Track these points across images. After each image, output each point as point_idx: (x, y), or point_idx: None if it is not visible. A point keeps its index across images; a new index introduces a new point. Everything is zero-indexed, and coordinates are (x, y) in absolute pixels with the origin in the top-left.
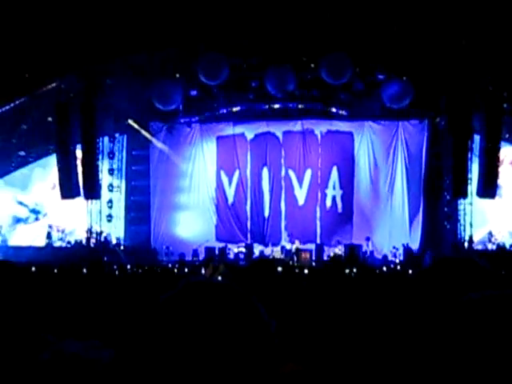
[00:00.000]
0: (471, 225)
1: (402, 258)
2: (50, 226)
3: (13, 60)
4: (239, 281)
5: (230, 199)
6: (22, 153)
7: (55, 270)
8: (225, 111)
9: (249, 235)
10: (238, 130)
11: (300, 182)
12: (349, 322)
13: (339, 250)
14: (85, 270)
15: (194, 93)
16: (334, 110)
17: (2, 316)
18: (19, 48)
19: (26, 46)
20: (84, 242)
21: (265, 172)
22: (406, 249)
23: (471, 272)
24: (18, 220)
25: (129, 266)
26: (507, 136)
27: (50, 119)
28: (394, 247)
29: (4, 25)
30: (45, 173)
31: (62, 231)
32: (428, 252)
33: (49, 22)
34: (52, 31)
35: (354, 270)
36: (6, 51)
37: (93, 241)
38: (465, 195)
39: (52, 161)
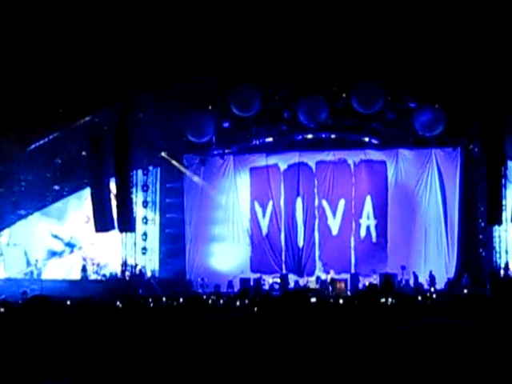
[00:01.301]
0: (507, 252)
1: (435, 286)
2: (85, 259)
3: (47, 95)
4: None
5: (265, 230)
6: (57, 187)
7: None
8: (257, 142)
9: (283, 266)
10: (271, 160)
11: (333, 212)
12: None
13: (374, 280)
14: (119, 304)
15: (226, 125)
16: (366, 139)
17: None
18: (53, 82)
19: (60, 81)
20: (119, 274)
21: (298, 202)
22: (431, 277)
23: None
24: (53, 253)
25: (164, 299)
26: None
27: (84, 153)
28: (429, 276)
29: (39, 60)
30: (79, 206)
31: (97, 264)
32: (465, 275)
33: (83, 57)
34: (86, 66)
35: (390, 299)
36: (41, 86)
37: (127, 274)
38: (499, 222)
39: (87, 194)
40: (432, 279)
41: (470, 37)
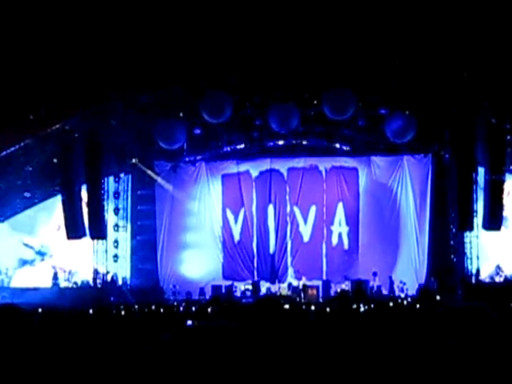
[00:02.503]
0: (478, 258)
1: (408, 292)
2: (55, 267)
3: (18, 101)
4: (244, 319)
5: (236, 237)
6: (28, 194)
7: (61, 313)
8: (229, 149)
9: (255, 273)
10: (243, 167)
11: (305, 219)
12: (357, 359)
13: (346, 286)
14: (91, 312)
15: (198, 131)
16: (337, 145)
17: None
18: (23, 89)
19: (30, 88)
20: (90, 282)
21: (270, 209)
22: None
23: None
24: (24, 262)
25: (136, 306)
26: (511, 167)
27: (55, 160)
28: (400, 281)
29: (8, 67)
30: (50, 214)
31: (69, 272)
32: (432, 279)
33: (52, 64)
34: (56, 72)
35: (362, 306)
36: (11, 92)
37: (99, 281)
38: (470, 228)
39: (57, 202)
40: (391, 285)
41: (441, 44)
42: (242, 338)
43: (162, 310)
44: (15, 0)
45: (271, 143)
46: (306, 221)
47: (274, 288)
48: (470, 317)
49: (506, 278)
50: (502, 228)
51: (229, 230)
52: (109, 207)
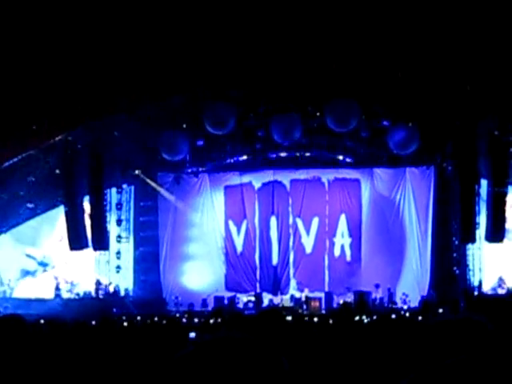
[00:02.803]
0: (480, 270)
1: (411, 304)
2: (58, 278)
3: (21, 112)
4: (247, 330)
5: (239, 248)
6: (30, 205)
7: (64, 324)
8: (232, 161)
9: (258, 284)
10: (246, 179)
11: (307, 230)
12: (360, 370)
13: (348, 298)
14: (94, 323)
15: (200, 143)
16: (340, 157)
17: (10, 370)
18: (27, 100)
19: (35, 99)
20: (93, 293)
21: (273, 221)
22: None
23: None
24: (26, 273)
25: (139, 318)
26: None
27: (57, 171)
28: (403, 293)
29: (12, 78)
30: (52, 225)
31: (71, 283)
32: (430, 292)
33: (56, 75)
34: (60, 84)
35: (364, 317)
36: (14, 103)
37: (101, 292)
38: (473, 240)
39: (60, 213)
40: (390, 296)
41: (444, 56)
42: (260, 349)
43: (164, 322)
44: (19, 11)
45: (274, 155)
46: (308, 232)
47: (277, 300)
48: (466, 329)
49: (508, 291)
50: (505, 240)
51: (231, 241)
52: (111, 218)
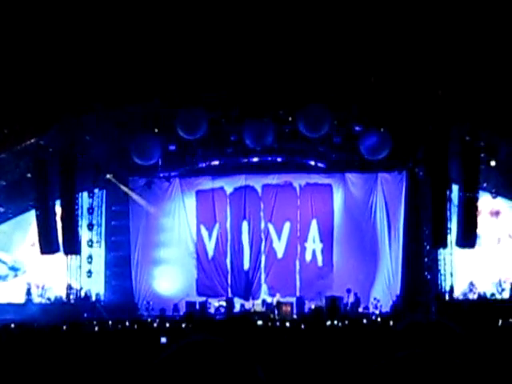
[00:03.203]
0: (452, 274)
1: (382, 309)
2: (29, 283)
3: None
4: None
5: (210, 253)
6: (1, 209)
7: (34, 329)
8: (204, 165)
9: (229, 289)
10: (217, 183)
11: (279, 235)
12: (331, 375)
13: (320, 303)
14: (64, 328)
15: (172, 147)
16: (312, 162)
17: None
18: None
19: (6, 102)
20: (64, 298)
21: (244, 225)
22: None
23: (441, 336)
24: None
25: (110, 323)
26: (485, 185)
27: (29, 175)
28: (374, 298)
29: None
30: (24, 229)
31: (42, 287)
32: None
33: (29, 79)
34: (30, 88)
35: (336, 322)
36: None
37: (72, 297)
38: (444, 245)
39: (31, 217)
40: (356, 300)
41: (416, 61)
42: (232, 353)
43: (135, 327)
44: None
45: (246, 159)
46: (279, 237)
47: (248, 305)
48: (433, 331)
49: (479, 296)
50: (476, 246)
51: (203, 246)
52: (83, 223)
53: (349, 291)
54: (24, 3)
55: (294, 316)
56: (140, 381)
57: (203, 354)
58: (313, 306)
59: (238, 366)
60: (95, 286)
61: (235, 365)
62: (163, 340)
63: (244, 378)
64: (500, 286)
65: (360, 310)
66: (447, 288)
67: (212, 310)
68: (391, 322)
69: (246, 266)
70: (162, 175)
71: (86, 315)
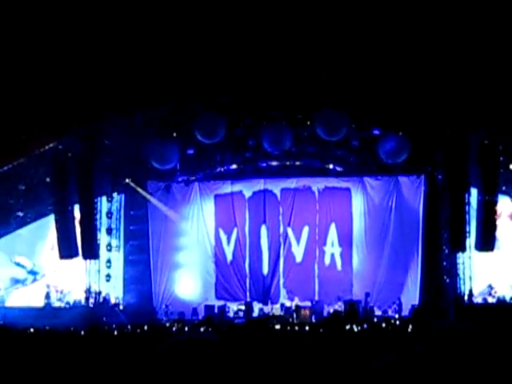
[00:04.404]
0: (470, 278)
1: (401, 313)
2: (48, 287)
3: (11, 121)
4: (235, 339)
5: (229, 257)
6: (20, 213)
7: (53, 333)
8: (222, 169)
9: (248, 293)
10: (236, 187)
11: (297, 239)
12: (349, 379)
13: (339, 307)
14: (83, 332)
15: (191, 152)
16: (330, 166)
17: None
18: (17, 109)
19: (24, 107)
20: (83, 302)
21: (263, 229)
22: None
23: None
24: (16, 281)
25: (129, 327)
26: (504, 188)
27: (48, 179)
28: (393, 302)
29: (3, 87)
30: (42, 234)
31: (61, 292)
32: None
33: (47, 84)
34: (50, 93)
35: (355, 326)
36: (4, 112)
37: (91, 301)
38: (463, 249)
39: (50, 221)
40: (392, 306)
41: (435, 65)
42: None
43: (154, 330)
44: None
45: (264, 164)
46: (298, 241)
47: (267, 309)
48: (462, 337)
49: (498, 299)
50: (495, 249)
51: (221, 250)
52: (101, 227)
53: (368, 295)
54: (45, 13)
55: (313, 320)
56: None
57: (194, 351)
58: (331, 310)
59: (229, 364)
60: (114, 290)
61: (227, 363)
62: None
63: (234, 375)
64: None
65: (379, 313)
66: (466, 292)
67: (231, 314)
68: (410, 326)
69: (265, 270)
70: (180, 179)
71: (104, 319)
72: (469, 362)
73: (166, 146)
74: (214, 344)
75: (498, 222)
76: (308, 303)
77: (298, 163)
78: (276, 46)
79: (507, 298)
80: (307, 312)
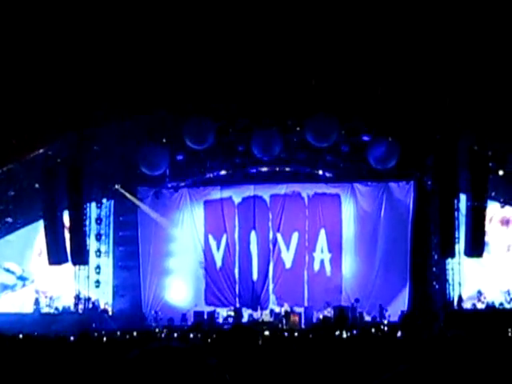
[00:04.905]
0: (460, 284)
1: (391, 319)
2: (37, 292)
3: (0, 127)
4: (223, 345)
5: (219, 263)
6: (9, 219)
7: (43, 339)
8: (212, 175)
9: (237, 299)
10: (226, 193)
11: (287, 245)
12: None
13: (328, 313)
14: (72, 338)
15: (180, 157)
16: (320, 172)
17: None
18: (7, 115)
19: (14, 113)
20: (72, 308)
21: (253, 235)
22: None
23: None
24: (4, 287)
25: (118, 333)
26: (493, 194)
27: (37, 185)
28: (383, 308)
29: None
30: (32, 239)
31: (50, 297)
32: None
33: (36, 90)
34: (39, 99)
35: (344, 332)
36: None
37: (81, 307)
38: (452, 255)
39: (39, 227)
40: (381, 312)
41: (424, 71)
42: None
43: (144, 337)
44: None
45: (254, 169)
46: (288, 247)
47: (257, 314)
48: (452, 344)
49: (487, 305)
50: (484, 253)
51: (211, 256)
52: (91, 233)
53: (357, 301)
54: (36, 19)
55: (302, 326)
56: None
57: (162, 361)
58: (321, 316)
59: (197, 371)
60: (103, 296)
61: (195, 371)
62: None
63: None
64: (509, 294)
65: (368, 319)
66: (455, 297)
67: (220, 320)
68: (399, 333)
69: (255, 276)
70: (170, 185)
71: (94, 325)
72: (460, 369)
73: (156, 152)
74: (187, 352)
75: (489, 227)
76: (298, 309)
77: (287, 169)
78: (266, 51)
79: (496, 304)
80: (296, 318)
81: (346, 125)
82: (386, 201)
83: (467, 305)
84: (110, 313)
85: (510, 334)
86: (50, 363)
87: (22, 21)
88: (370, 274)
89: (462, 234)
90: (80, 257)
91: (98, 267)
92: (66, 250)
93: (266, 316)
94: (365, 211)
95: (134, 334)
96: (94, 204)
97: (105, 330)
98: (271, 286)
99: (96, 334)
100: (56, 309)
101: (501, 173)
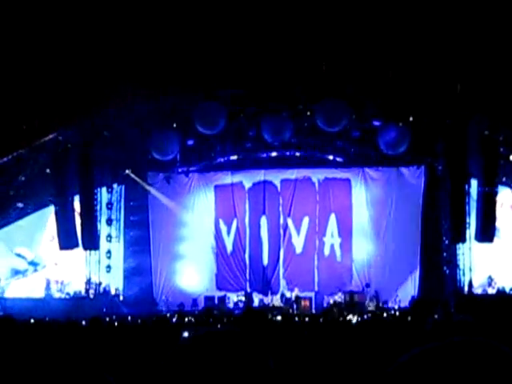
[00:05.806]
0: (470, 269)
1: (401, 304)
2: (48, 278)
3: (11, 112)
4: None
5: (229, 248)
6: (20, 204)
7: (54, 323)
8: (222, 160)
9: (248, 284)
10: (236, 178)
11: (298, 230)
12: (350, 370)
13: (339, 298)
14: (84, 323)
15: (191, 142)
16: (330, 157)
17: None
18: (18, 100)
19: (25, 99)
20: (83, 293)
21: (263, 220)
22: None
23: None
24: (16, 272)
25: (129, 318)
26: (504, 179)
27: (48, 171)
28: (393, 293)
29: (4, 78)
30: (43, 225)
31: (61, 283)
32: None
33: (47, 76)
34: (50, 84)
35: (354, 317)
36: (5, 103)
37: (92, 292)
38: (463, 240)
39: (50, 212)
40: (392, 296)
41: (435, 55)
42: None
43: (155, 321)
44: (10, 14)
45: (264, 154)
46: (298, 232)
47: (267, 299)
48: (460, 330)
49: (498, 290)
50: (495, 239)
51: (221, 240)
52: (102, 218)
53: (368, 286)
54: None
55: (313, 311)
56: (158, 372)
57: (217, 344)
58: (331, 301)
59: (250, 357)
60: (114, 281)
61: (248, 356)
62: (185, 335)
63: (255, 369)
64: None
65: (379, 304)
66: (466, 283)
67: (231, 305)
68: (409, 318)
69: (265, 260)
70: (180, 170)
71: (104, 310)
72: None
73: (167, 137)
74: (234, 335)
75: (500, 213)
76: (308, 294)
77: (298, 154)
78: (277, 37)
79: (507, 290)
80: (307, 303)
81: (357, 110)
82: (397, 186)
83: (478, 290)
84: (121, 298)
85: None
86: (61, 348)
87: (34, 10)
88: (381, 259)
89: (472, 219)
90: (91, 242)
91: (109, 252)
92: (77, 234)
93: (276, 301)
94: (375, 196)
95: (145, 318)
96: (104, 189)
97: (116, 314)
98: (281, 271)
99: (107, 319)
100: (67, 294)
101: None
